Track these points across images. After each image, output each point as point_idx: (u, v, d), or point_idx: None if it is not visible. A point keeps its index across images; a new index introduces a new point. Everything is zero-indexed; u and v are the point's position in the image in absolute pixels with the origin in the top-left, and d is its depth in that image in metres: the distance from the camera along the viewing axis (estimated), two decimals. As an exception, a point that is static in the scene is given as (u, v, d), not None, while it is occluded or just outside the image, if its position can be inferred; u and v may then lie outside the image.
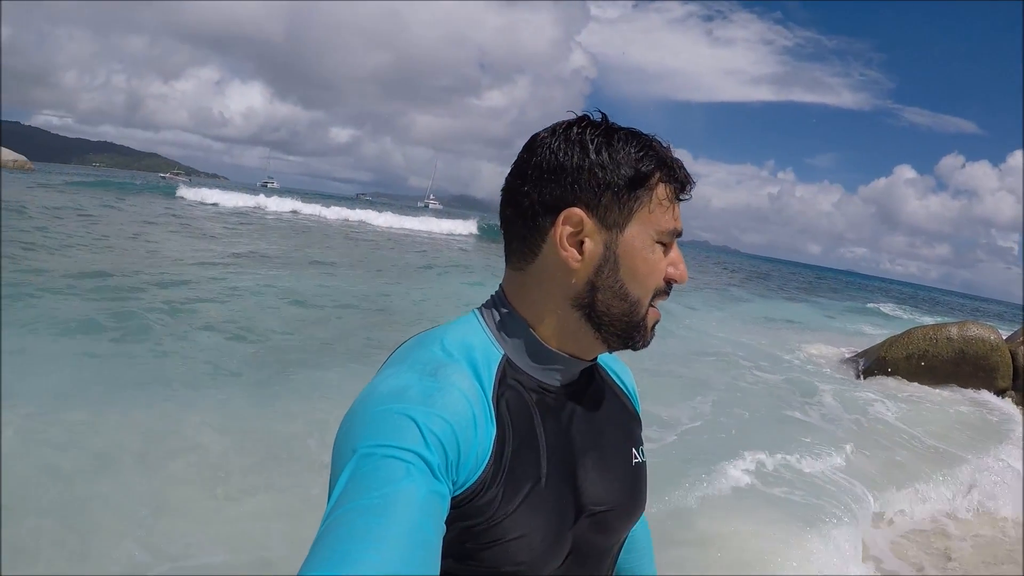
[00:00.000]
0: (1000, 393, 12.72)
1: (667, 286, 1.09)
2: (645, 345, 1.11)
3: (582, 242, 1.06)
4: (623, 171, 1.04)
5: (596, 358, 1.17)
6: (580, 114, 1.09)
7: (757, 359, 12.88)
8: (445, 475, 0.88)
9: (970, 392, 12.45)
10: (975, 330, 13.21)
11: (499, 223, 1.13)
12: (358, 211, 50.12)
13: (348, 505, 0.79)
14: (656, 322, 1.12)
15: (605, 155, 1.05)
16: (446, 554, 0.91)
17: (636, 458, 1.22)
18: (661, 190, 1.06)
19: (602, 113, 1.09)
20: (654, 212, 1.06)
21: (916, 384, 12.58)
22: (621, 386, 1.31)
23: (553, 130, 1.08)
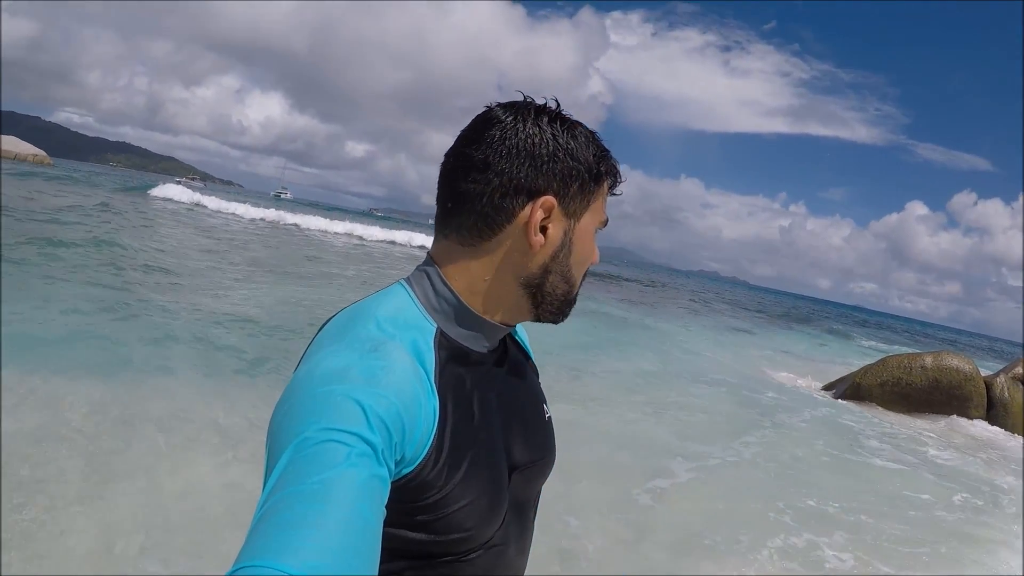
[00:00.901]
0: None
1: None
2: (565, 316, 1.19)
3: (545, 228, 1.08)
4: (588, 165, 1.10)
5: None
6: (528, 96, 1.13)
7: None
8: (389, 457, 0.87)
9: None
10: (950, 360, 13.60)
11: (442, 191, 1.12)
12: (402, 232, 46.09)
13: (286, 491, 0.77)
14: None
15: (573, 147, 1.09)
16: (399, 526, 0.95)
17: (547, 413, 1.31)
18: (606, 185, 1.15)
19: (556, 100, 1.14)
20: (599, 202, 1.15)
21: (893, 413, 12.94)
22: (524, 346, 1.37)
23: (515, 111, 1.09)
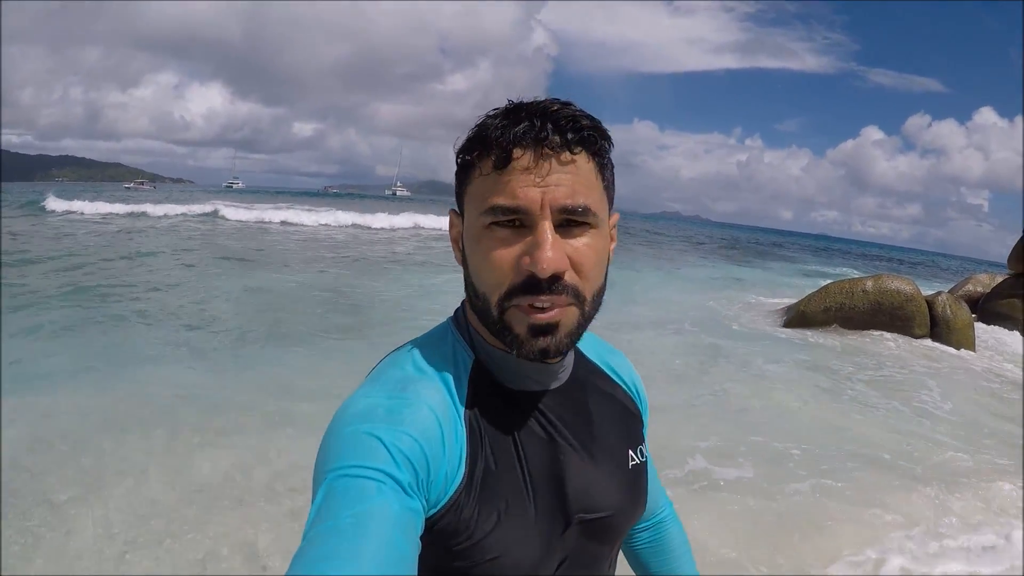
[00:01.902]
0: (917, 339, 13.49)
1: (529, 279, 0.92)
2: (525, 353, 0.96)
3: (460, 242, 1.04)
4: (457, 155, 1.01)
5: (562, 358, 1.07)
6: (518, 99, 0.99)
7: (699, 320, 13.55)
8: (417, 492, 0.87)
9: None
10: (891, 283, 13.95)
11: None
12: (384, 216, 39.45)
13: (322, 526, 0.78)
14: (533, 326, 0.94)
15: (463, 143, 1.00)
16: (437, 571, 0.93)
17: (633, 460, 1.16)
18: (488, 160, 0.95)
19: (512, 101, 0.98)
20: (476, 190, 0.97)
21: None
22: (620, 382, 1.24)
23: None
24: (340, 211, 39.49)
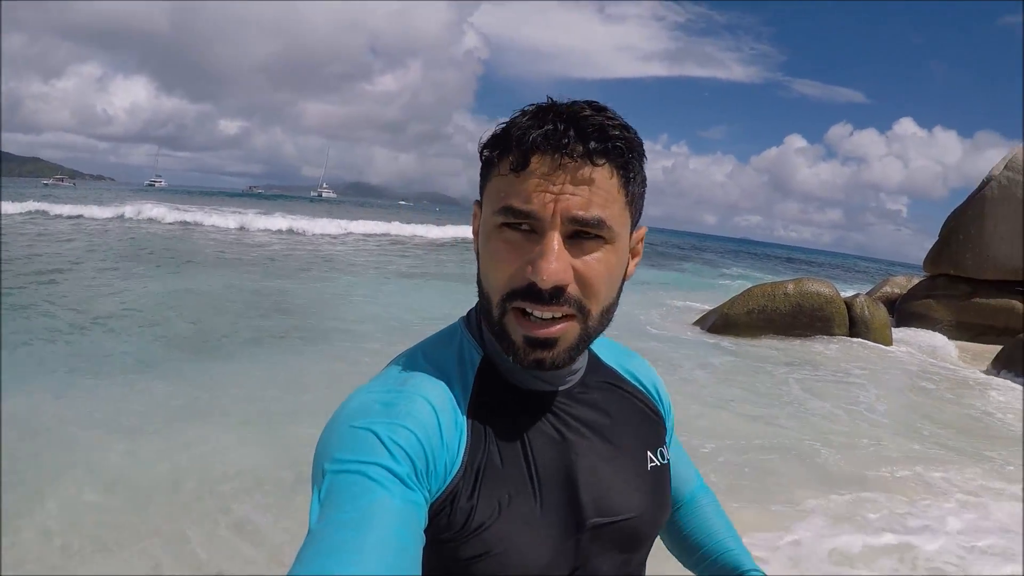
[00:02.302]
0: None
1: (530, 287, 0.90)
2: (521, 362, 0.95)
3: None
4: (481, 151, 0.98)
5: (568, 364, 1.00)
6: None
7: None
8: (418, 484, 0.86)
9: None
10: (811, 285, 14.40)
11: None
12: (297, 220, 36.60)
13: (324, 521, 0.79)
14: (529, 337, 0.93)
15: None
16: (437, 567, 0.92)
17: (653, 462, 1.13)
18: (504, 163, 0.92)
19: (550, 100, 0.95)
20: (493, 187, 0.95)
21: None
22: (639, 385, 1.21)
23: None
24: (265, 214, 38.19)
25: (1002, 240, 16.12)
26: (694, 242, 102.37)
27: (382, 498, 0.81)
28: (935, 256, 17.60)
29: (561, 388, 1.06)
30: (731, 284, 27.39)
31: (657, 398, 1.23)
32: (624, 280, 1.00)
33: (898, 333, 15.19)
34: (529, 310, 0.91)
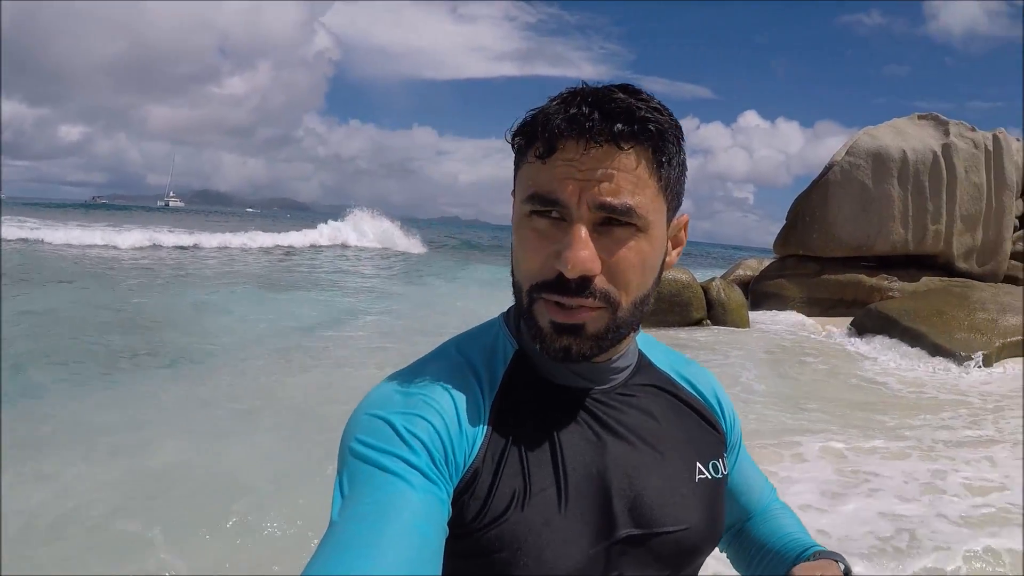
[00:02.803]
0: (697, 323, 14.53)
1: (558, 278, 0.88)
2: (547, 349, 0.92)
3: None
4: (511, 139, 0.96)
5: (611, 359, 1.01)
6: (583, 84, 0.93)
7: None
8: (439, 475, 0.86)
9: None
10: (668, 272, 14.41)
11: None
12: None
13: (344, 515, 0.80)
14: (555, 323, 0.90)
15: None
16: (451, 562, 0.87)
17: (703, 474, 1.06)
18: (532, 150, 0.90)
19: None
20: (523, 175, 0.93)
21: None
22: (695, 393, 1.15)
23: None
24: (112, 226, 34.64)
25: (846, 220, 16.82)
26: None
27: (402, 490, 0.81)
28: (784, 238, 18.22)
29: (601, 387, 1.02)
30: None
31: (716, 408, 1.17)
32: (663, 270, 0.98)
33: (755, 315, 15.77)
34: (555, 300, 0.89)
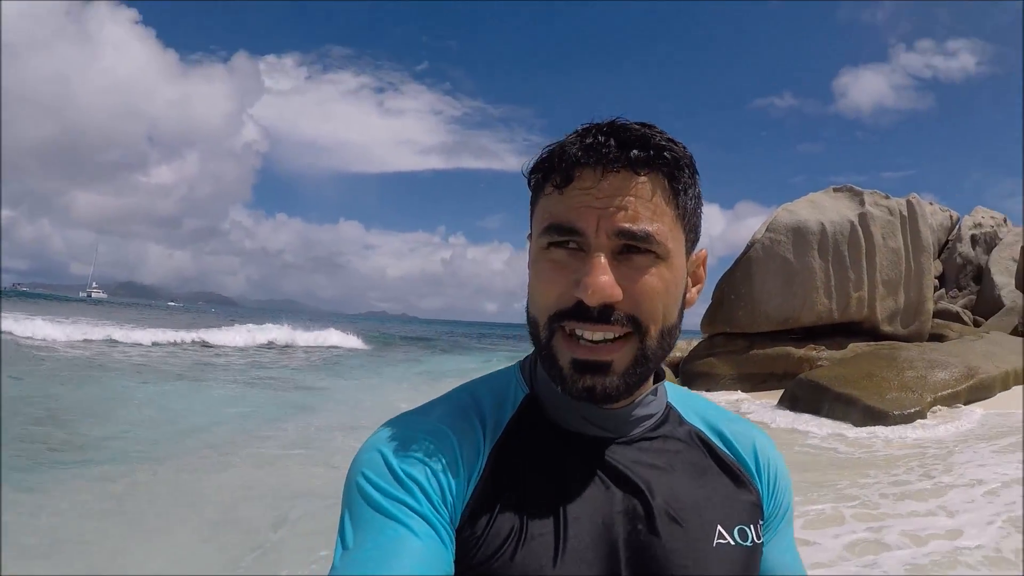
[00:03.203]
0: None
1: (578, 306, 0.86)
2: (569, 390, 0.89)
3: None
4: (527, 177, 0.96)
5: (630, 405, 0.97)
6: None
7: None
8: (438, 517, 0.85)
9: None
10: None
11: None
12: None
13: (346, 560, 0.81)
14: (578, 361, 0.87)
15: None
16: None
17: (723, 538, 0.97)
18: (550, 183, 0.90)
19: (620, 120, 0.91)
20: (539, 210, 0.92)
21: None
22: (728, 451, 1.07)
23: None
24: (28, 317, 31.38)
25: (771, 295, 17.11)
26: (480, 331, 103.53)
27: (403, 536, 0.81)
28: (711, 317, 18.40)
29: (615, 435, 0.97)
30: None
31: (753, 469, 1.07)
32: (684, 306, 0.96)
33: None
34: (579, 332, 0.87)
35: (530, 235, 0.96)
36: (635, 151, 0.85)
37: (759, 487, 1.06)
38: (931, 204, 18.06)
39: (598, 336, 0.86)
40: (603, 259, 0.84)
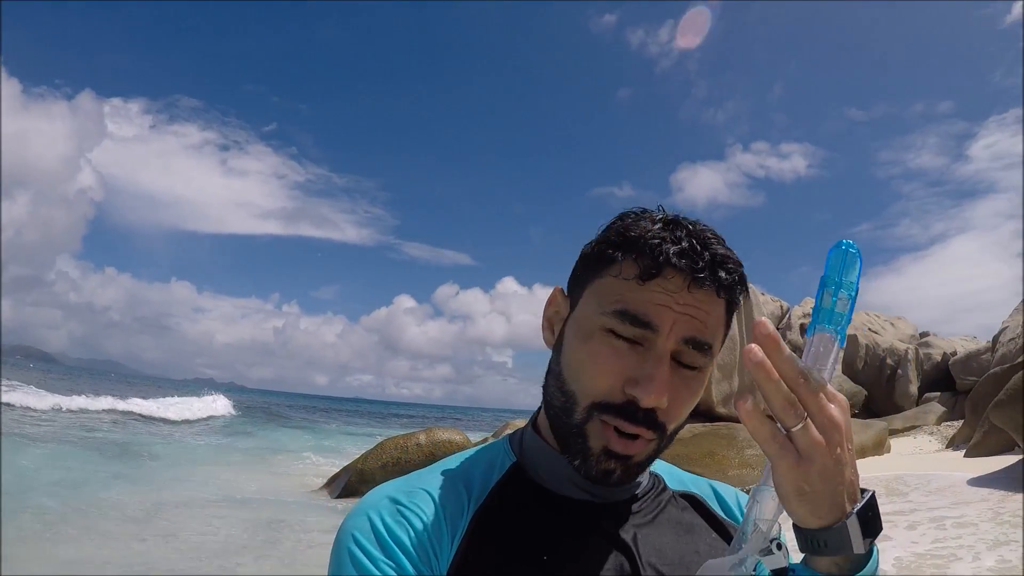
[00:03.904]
0: None
1: (628, 404, 0.88)
2: (590, 470, 0.92)
3: (557, 323, 1.01)
4: (601, 242, 0.96)
5: (630, 481, 0.98)
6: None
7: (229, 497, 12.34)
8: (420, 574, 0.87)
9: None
10: (442, 434, 14.69)
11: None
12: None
13: None
14: (609, 449, 0.90)
15: (605, 233, 0.97)
16: None
17: None
18: (630, 262, 0.90)
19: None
20: (607, 286, 0.92)
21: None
22: (718, 508, 1.11)
23: None
24: None
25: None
26: (312, 403, 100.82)
27: None
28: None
29: (606, 503, 0.99)
30: (363, 440, 26.75)
31: (737, 515, 1.11)
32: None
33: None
34: (617, 426, 0.90)
35: (563, 291, 1.02)
36: (724, 274, 0.90)
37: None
38: (763, 294, 19.08)
39: (633, 432, 0.89)
40: (666, 366, 0.88)
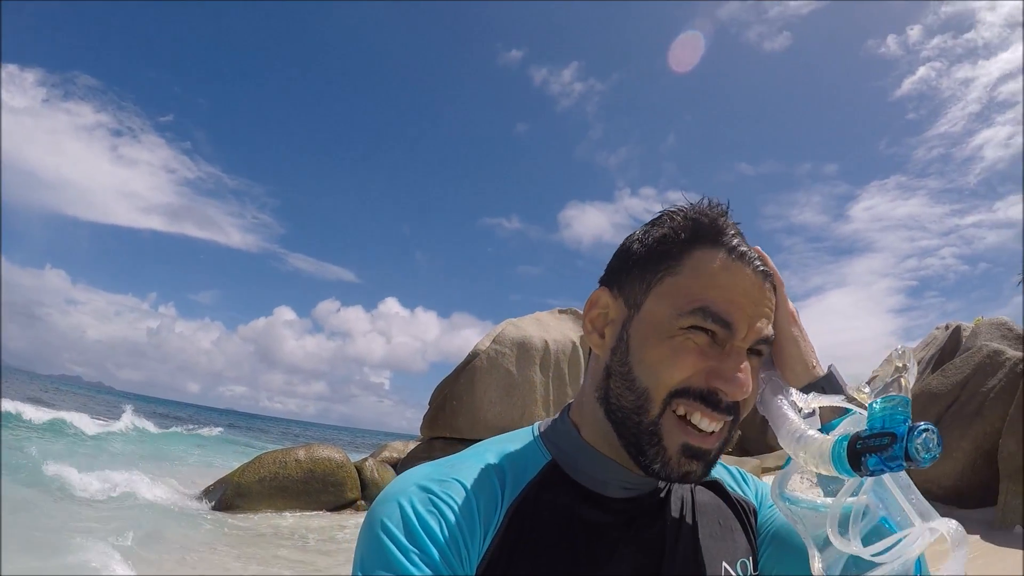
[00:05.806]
0: (351, 504, 14.27)
1: (709, 394, 0.90)
2: (668, 472, 0.92)
3: (607, 325, 1.00)
4: (652, 242, 0.97)
5: (705, 477, 0.97)
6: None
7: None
8: (449, 569, 0.86)
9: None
10: (322, 451, 14.67)
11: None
12: None
13: None
14: (689, 447, 0.91)
15: (649, 231, 0.99)
16: None
17: (730, 575, 1.03)
18: (699, 256, 0.93)
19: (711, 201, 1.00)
20: (680, 281, 0.93)
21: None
22: (736, 488, 1.16)
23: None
24: None
25: (491, 403, 17.75)
26: (184, 412, 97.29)
27: None
28: (431, 421, 18.66)
29: (637, 497, 1.01)
30: (244, 452, 26.15)
31: (752, 496, 1.17)
32: None
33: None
34: (695, 416, 0.90)
35: (626, 295, 0.98)
36: (759, 264, 0.95)
37: (757, 506, 1.16)
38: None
39: (713, 427, 0.91)
40: (746, 361, 0.91)
